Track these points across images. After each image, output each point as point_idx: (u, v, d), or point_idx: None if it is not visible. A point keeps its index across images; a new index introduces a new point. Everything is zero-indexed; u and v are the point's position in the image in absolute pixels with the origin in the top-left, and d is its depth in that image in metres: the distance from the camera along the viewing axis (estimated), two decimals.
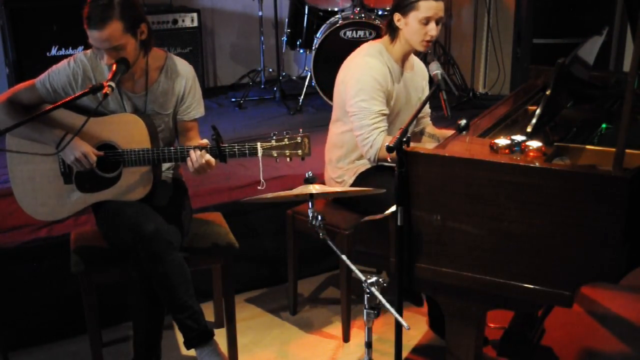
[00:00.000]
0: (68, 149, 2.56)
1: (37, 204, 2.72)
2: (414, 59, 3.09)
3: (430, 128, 3.22)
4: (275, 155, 2.52)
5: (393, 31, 2.91)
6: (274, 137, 2.51)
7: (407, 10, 2.81)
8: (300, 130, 2.53)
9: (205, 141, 2.58)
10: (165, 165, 2.85)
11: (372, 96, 2.83)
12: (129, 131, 2.63)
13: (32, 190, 2.71)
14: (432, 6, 2.80)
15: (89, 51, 2.68)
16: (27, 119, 2.46)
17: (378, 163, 2.90)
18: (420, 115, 3.14)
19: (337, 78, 3.01)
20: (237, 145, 2.53)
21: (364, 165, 3.00)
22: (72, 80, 2.64)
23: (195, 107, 2.80)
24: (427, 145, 2.99)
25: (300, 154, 2.52)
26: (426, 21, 2.81)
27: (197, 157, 2.51)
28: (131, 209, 2.61)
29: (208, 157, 2.53)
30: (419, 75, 3.10)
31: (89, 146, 2.60)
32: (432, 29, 2.83)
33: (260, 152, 2.51)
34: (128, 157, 2.62)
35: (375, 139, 2.83)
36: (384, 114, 2.86)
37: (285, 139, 2.51)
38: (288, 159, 2.53)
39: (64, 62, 2.66)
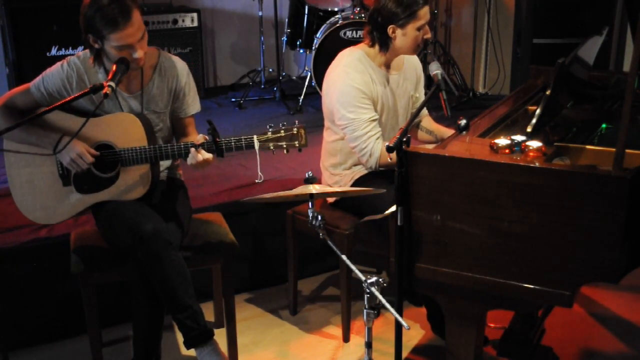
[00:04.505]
0: (64, 150, 2.55)
1: (37, 207, 2.72)
2: (404, 57, 3.04)
3: (426, 122, 3.20)
4: (272, 147, 2.52)
5: (383, 42, 2.86)
6: (270, 130, 2.51)
7: (406, 22, 2.78)
8: (296, 122, 2.53)
9: (201, 135, 2.58)
10: (163, 165, 2.85)
11: (358, 106, 2.81)
12: (125, 130, 2.62)
13: (31, 193, 2.71)
14: (427, 11, 2.82)
15: (81, 53, 2.67)
16: (23, 120, 2.45)
17: (380, 169, 2.88)
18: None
19: (322, 89, 3.00)
20: (234, 139, 2.53)
21: (360, 171, 2.99)
22: (67, 83, 2.63)
23: (191, 104, 2.80)
24: (426, 146, 2.98)
25: (297, 145, 2.52)
26: (422, 27, 2.82)
27: (194, 153, 2.51)
28: (130, 208, 2.60)
29: (205, 154, 2.53)
30: (409, 72, 3.06)
31: (85, 146, 2.59)
32: (427, 32, 2.85)
33: (256, 144, 2.50)
34: (125, 156, 2.61)
35: (372, 147, 2.82)
36: (374, 120, 2.84)
37: (282, 131, 2.51)
38: (285, 151, 2.53)
39: (57, 65, 2.65)
